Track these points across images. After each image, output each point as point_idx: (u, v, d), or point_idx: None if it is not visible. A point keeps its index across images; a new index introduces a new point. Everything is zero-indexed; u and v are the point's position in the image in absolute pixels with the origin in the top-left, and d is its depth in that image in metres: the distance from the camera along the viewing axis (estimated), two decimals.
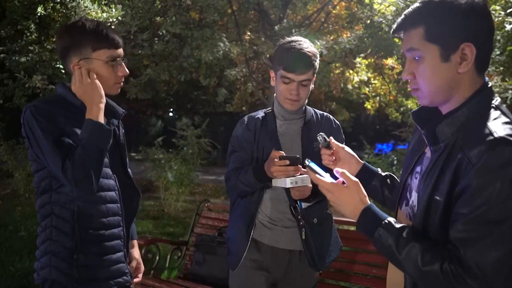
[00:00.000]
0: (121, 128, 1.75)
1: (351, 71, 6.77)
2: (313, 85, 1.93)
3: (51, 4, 6.69)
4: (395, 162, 6.90)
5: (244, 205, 1.92)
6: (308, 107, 2.00)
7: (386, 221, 1.09)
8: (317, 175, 1.21)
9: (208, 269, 2.92)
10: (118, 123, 1.68)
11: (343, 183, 1.16)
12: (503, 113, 1.04)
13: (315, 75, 1.96)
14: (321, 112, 2.05)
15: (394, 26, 1.12)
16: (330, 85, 5.98)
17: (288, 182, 1.70)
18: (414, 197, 1.16)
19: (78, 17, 6.24)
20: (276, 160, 1.68)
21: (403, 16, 1.10)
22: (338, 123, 2.04)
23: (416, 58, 1.08)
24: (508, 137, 0.95)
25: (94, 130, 1.46)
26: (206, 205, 3.43)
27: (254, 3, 5.99)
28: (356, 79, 7.25)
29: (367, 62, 7.07)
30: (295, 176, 1.71)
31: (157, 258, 3.12)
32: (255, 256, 1.90)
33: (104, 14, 6.34)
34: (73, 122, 1.50)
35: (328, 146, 1.48)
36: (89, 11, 6.45)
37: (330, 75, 5.76)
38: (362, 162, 1.48)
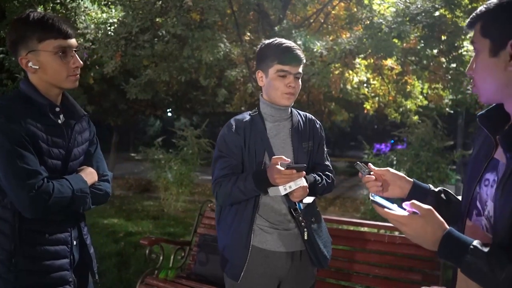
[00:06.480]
0: (87, 130, 1.65)
1: (350, 72, 6.78)
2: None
3: (51, 5, 6.70)
4: (394, 162, 6.90)
5: (239, 211, 1.87)
6: (291, 108, 2.00)
7: (472, 246, 1.01)
8: (385, 209, 1.12)
9: (212, 269, 2.94)
10: (75, 125, 1.58)
11: (414, 213, 1.09)
12: None
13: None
14: (303, 112, 2.06)
15: (467, 22, 1.14)
16: (329, 86, 5.98)
17: (282, 190, 1.71)
18: (490, 207, 1.09)
19: (78, 18, 6.28)
20: (281, 168, 1.68)
21: (473, 14, 1.13)
22: (319, 122, 2.07)
23: (475, 51, 1.11)
24: None
25: (79, 192, 1.46)
26: (209, 205, 3.48)
27: (254, 4, 6.00)
28: (356, 79, 7.26)
29: (366, 63, 7.08)
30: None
31: (161, 258, 3.14)
32: (258, 264, 1.86)
33: (104, 15, 6.35)
34: (37, 124, 1.44)
35: (369, 173, 1.43)
36: (89, 11, 6.46)
37: (330, 76, 5.76)
38: (412, 180, 1.40)
